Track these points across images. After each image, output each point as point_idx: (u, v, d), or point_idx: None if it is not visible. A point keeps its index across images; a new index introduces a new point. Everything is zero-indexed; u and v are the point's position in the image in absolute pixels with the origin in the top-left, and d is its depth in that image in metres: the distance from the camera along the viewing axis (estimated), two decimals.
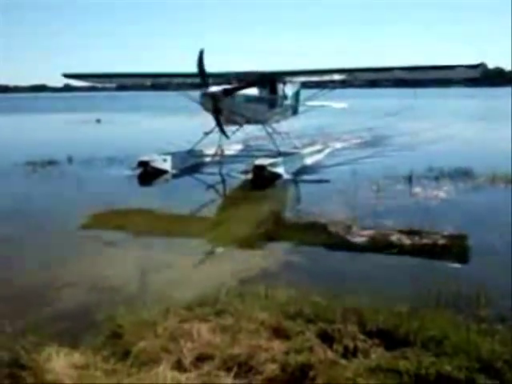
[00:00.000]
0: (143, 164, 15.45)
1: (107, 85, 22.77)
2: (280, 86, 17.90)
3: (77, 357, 4.36)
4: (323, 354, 4.50)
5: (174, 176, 15.76)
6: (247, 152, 19.47)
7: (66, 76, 18.66)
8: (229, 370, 4.28)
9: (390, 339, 4.86)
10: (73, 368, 4.11)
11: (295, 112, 21.10)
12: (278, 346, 4.64)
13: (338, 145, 22.23)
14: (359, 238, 8.70)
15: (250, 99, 15.44)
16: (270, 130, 17.56)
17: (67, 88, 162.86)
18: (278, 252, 8.16)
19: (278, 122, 18.71)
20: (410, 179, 13.46)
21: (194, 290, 6.23)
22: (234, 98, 14.55)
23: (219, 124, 14.66)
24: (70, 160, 17.82)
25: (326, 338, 4.84)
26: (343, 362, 4.44)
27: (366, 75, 17.91)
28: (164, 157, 16.12)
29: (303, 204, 12.48)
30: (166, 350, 4.50)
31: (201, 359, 4.41)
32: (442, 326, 5.00)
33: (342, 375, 4.15)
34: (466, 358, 4.35)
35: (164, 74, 18.29)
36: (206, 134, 16.93)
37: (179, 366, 4.29)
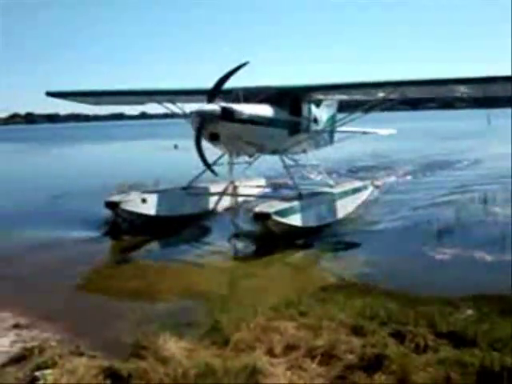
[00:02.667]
0: (111, 206, 11.81)
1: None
2: (307, 107, 13.84)
3: (185, 343, 5.19)
4: (396, 348, 5.11)
5: (156, 227, 11.85)
6: (273, 191, 15.23)
7: (49, 94, 15.65)
8: (313, 358, 4.97)
9: (458, 340, 5.39)
10: (183, 350, 4.94)
11: (331, 140, 17.08)
12: (355, 340, 5.29)
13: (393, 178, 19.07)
14: None
15: (260, 122, 11.39)
16: (290, 162, 13.77)
17: (143, 116, 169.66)
18: None
19: (304, 152, 14.76)
20: None
21: None
22: (236, 120, 10.69)
23: (201, 154, 10.59)
24: (156, 183, 17.14)
25: (399, 337, 5.45)
26: (414, 355, 5.02)
27: (425, 90, 13.41)
28: (143, 195, 12.34)
29: None
30: (259, 340, 5.25)
31: (289, 348, 5.13)
32: (507, 329, 5.48)
33: (412, 365, 4.74)
34: None
35: (164, 91, 14.46)
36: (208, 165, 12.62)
37: (271, 353, 5.02)
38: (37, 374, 5.00)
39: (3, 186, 20.75)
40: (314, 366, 4.85)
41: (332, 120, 16.38)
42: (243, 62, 10.69)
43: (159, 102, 14.62)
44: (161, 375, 4.50)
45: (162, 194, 12.82)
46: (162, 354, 4.85)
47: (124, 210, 11.76)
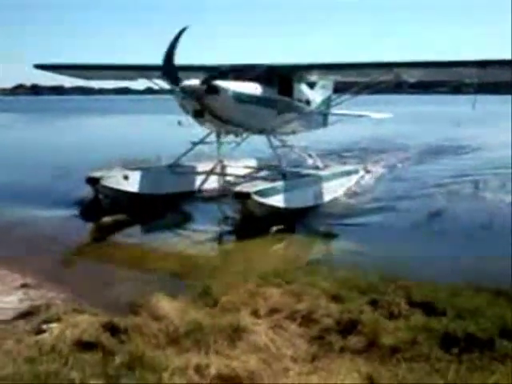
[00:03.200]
0: (92, 182, 11.43)
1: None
2: (298, 87, 13.51)
3: (177, 304, 5.69)
4: (371, 314, 5.59)
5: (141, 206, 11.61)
6: (265, 172, 14.05)
7: (38, 67, 15.27)
8: (294, 320, 5.46)
9: (430, 309, 5.86)
10: (175, 309, 5.44)
11: (325, 123, 16.74)
12: (334, 307, 5.77)
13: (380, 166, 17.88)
14: None
15: (246, 99, 11.06)
16: (277, 143, 13.28)
17: (149, 91, 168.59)
18: None
19: (294, 133, 14.47)
20: None
21: None
22: (221, 96, 10.39)
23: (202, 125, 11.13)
24: (159, 159, 16.83)
25: (375, 305, 5.92)
26: (386, 321, 5.50)
27: (421, 72, 12.74)
28: (126, 172, 12.01)
29: None
30: (246, 303, 5.74)
31: (272, 311, 5.62)
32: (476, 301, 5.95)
33: (383, 329, 5.22)
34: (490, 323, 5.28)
35: (152, 67, 13.18)
36: (195, 144, 13.18)
37: (255, 315, 5.51)
38: (43, 326, 5.52)
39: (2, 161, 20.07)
40: (293, 327, 5.34)
41: (327, 102, 16.05)
42: (182, 27, 10.48)
43: (149, 78, 14.27)
44: (154, 330, 5.00)
45: (146, 171, 12.49)
46: (157, 312, 5.35)
47: (105, 187, 11.35)
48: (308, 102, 14.22)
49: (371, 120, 20.34)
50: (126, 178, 11.75)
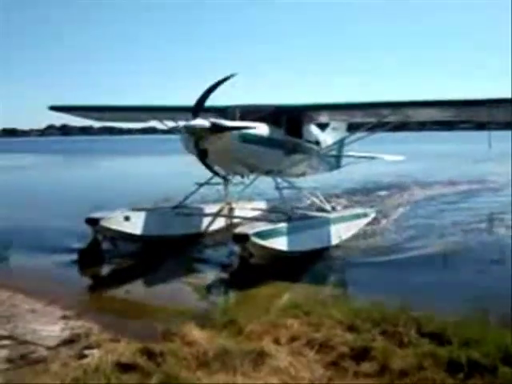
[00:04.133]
0: (92, 223, 11.25)
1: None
2: (307, 128, 13.47)
3: (205, 332, 6.28)
4: (382, 342, 6.09)
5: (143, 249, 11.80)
6: (274, 215, 13.24)
7: (53, 109, 15.42)
8: (312, 347, 5.99)
9: (437, 339, 6.33)
10: (204, 336, 6.02)
11: (338, 164, 16.84)
12: (349, 336, 6.28)
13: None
14: None
15: (252, 139, 10.90)
16: (284, 184, 12.82)
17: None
18: None
19: (303, 175, 14.44)
20: None
21: None
22: (226, 137, 10.21)
23: (207, 166, 10.51)
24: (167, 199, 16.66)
25: (387, 335, 6.42)
26: (397, 349, 5.99)
27: (431, 112, 12.66)
28: (127, 213, 11.77)
29: None
30: (268, 332, 6.29)
31: (292, 339, 6.16)
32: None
33: (393, 355, 5.72)
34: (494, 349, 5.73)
35: (166, 108, 14.03)
36: (201, 185, 12.86)
37: (277, 342, 6.06)
38: (85, 352, 6.14)
39: (31, 200, 20.67)
40: (311, 353, 5.86)
41: (339, 144, 15.93)
42: (230, 74, 10.32)
43: (160, 120, 14.39)
44: (186, 354, 5.58)
45: (150, 212, 12.35)
46: (188, 338, 5.94)
47: (104, 228, 11.17)
48: (318, 143, 14.04)
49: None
50: (127, 218, 11.55)
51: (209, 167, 10.48)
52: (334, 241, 12.21)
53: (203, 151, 10.11)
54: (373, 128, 13.16)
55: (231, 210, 14.29)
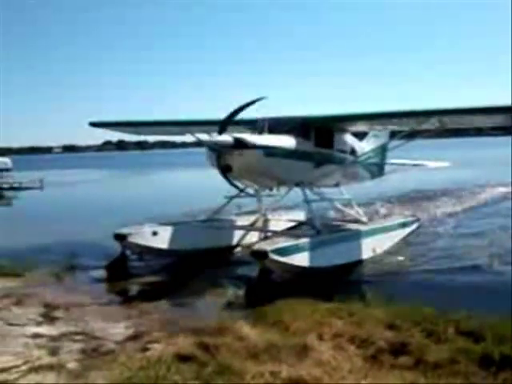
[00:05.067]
0: (120, 238, 11.39)
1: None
2: (342, 138, 13.31)
3: (256, 329, 6.89)
4: (420, 339, 6.53)
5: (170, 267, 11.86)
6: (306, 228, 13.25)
7: (92, 125, 15.83)
8: (353, 343, 6.50)
9: (474, 336, 6.71)
10: (255, 332, 6.63)
11: (380, 172, 16.68)
12: (389, 333, 6.76)
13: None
14: None
15: (277, 153, 10.82)
16: (315, 196, 12.72)
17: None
18: None
19: (337, 185, 14.08)
20: None
21: None
22: (250, 151, 10.20)
23: (230, 181, 10.54)
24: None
25: (426, 333, 6.85)
26: (433, 345, 6.42)
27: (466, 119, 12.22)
28: (155, 228, 11.93)
29: None
30: (313, 329, 6.84)
31: (335, 336, 6.68)
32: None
33: (429, 350, 6.16)
34: None
35: (199, 122, 13.96)
36: (231, 198, 12.76)
37: (320, 338, 6.60)
38: (148, 345, 6.86)
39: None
40: (352, 348, 6.37)
41: (380, 151, 15.96)
42: (261, 96, 10.53)
43: (193, 134, 14.38)
44: (238, 347, 6.21)
45: (178, 226, 12.41)
46: (239, 333, 6.57)
47: (132, 243, 11.36)
48: (353, 152, 13.82)
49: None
50: (154, 233, 11.74)
51: (231, 182, 10.51)
52: (367, 254, 11.93)
53: (227, 166, 10.14)
54: (414, 134, 13.11)
55: (266, 221, 14.10)
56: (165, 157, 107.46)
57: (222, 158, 10.09)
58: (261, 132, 11.18)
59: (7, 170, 43.54)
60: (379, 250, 12.42)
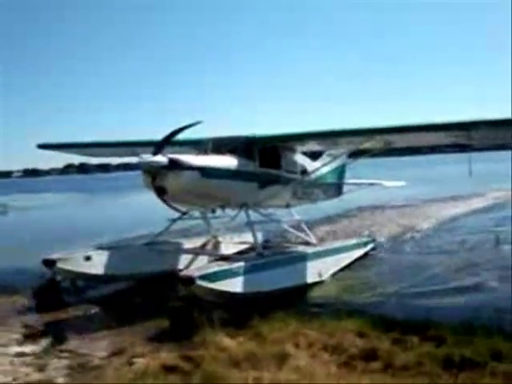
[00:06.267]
0: (49, 264, 10.52)
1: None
2: (290, 158, 12.90)
3: (236, 340, 7.33)
4: (389, 346, 7.08)
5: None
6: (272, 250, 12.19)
7: (41, 147, 15.65)
8: (326, 350, 7.01)
9: (438, 341, 7.29)
10: (235, 343, 7.08)
11: (338, 192, 16.49)
12: (359, 340, 7.28)
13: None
14: None
15: (215, 174, 10.41)
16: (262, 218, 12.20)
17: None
18: None
19: (288, 206, 13.54)
20: None
21: None
22: (185, 172, 9.80)
23: (167, 203, 10.08)
24: None
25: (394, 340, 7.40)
26: (401, 351, 6.97)
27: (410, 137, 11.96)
28: (89, 253, 11.18)
29: None
30: (289, 339, 7.31)
31: (310, 345, 7.18)
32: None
33: (397, 355, 6.70)
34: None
35: (148, 143, 12.55)
36: (174, 220, 12.20)
37: (297, 347, 7.09)
38: (133, 360, 7.20)
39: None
40: (326, 355, 6.86)
41: (338, 171, 16.05)
42: (197, 120, 10.23)
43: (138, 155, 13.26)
44: (220, 357, 6.63)
45: (116, 250, 11.80)
46: (221, 345, 7.00)
47: (62, 269, 10.58)
48: (305, 172, 13.44)
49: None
50: (87, 258, 10.99)
51: (168, 204, 10.06)
52: (312, 278, 11.30)
53: (161, 188, 9.71)
54: (376, 153, 13.07)
55: (217, 244, 13.66)
56: (125, 180, 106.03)
57: (157, 180, 9.66)
58: (205, 152, 10.95)
59: None
60: (326, 274, 11.81)
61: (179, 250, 12.80)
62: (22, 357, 7.73)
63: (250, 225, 11.41)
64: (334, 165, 15.34)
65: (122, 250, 11.95)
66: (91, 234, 19.22)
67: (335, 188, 16.32)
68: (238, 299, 9.47)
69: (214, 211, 12.21)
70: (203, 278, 8.87)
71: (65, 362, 7.44)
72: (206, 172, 10.17)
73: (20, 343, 8.44)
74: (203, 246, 13.51)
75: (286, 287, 10.40)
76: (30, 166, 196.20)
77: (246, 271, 9.75)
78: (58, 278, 10.88)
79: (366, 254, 14.30)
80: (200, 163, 10.14)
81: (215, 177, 10.43)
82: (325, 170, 14.75)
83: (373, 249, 14.95)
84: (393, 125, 11.16)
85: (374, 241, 15.51)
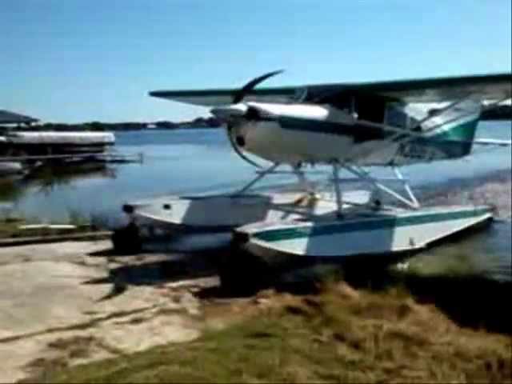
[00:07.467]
0: (128, 210, 10.50)
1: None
2: (398, 110, 11.78)
3: (357, 291, 7.51)
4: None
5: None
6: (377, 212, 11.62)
7: (153, 94, 15.42)
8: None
9: None
10: (357, 293, 7.28)
11: (464, 152, 15.12)
12: None
13: None
14: None
15: (299, 125, 9.51)
16: (353, 174, 11.40)
17: None
18: None
19: (392, 164, 12.46)
20: None
21: None
22: (263, 123, 8.96)
23: (243, 156, 9.51)
24: None
25: None
26: None
27: None
28: (168, 201, 10.93)
29: None
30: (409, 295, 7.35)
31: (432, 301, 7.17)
32: None
33: None
34: None
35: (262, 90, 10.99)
36: (262, 173, 11.61)
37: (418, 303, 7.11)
38: (258, 300, 7.63)
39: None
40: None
41: (466, 129, 14.67)
42: (279, 69, 9.39)
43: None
44: (341, 304, 6.87)
45: (197, 200, 11.37)
46: (342, 293, 7.23)
47: (140, 216, 10.49)
48: (418, 128, 12.14)
49: None
50: (166, 207, 10.75)
51: (244, 157, 9.52)
52: (399, 246, 10.16)
53: (238, 139, 9.07)
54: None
55: (313, 201, 12.74)
56: None
57: (233, 130, 9.04)
58: (297, 101, 10.24)
59: (110, 143, 46.49)
60: (420, 243, 10.47)
61: (267, 205, 11.97)
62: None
63: (335, 182, 10.60)
64: (461, 121, 13.82)
65: (204, 201, 11.50)
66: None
67: (460, 147, 14.85)
68: (300, 262, 8.84)
69: (299, 166, 11.64)
70: (259, 235, 8.16)
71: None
72: (285, 122, 9.26)
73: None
74: (297, 202, 12.64)
75: (363, 253, 9.22)
76: (162, 119, 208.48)
77: (314, 233, 8.90)
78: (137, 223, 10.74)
79: (484, 225, 12.99)
80: (280, 112, 9.23)
81: (297, 128, 9.51)
82: (447, 126, 13.37)
83: (489, 219, 13.33)
84: None
85: (493, 210, 13.69)
